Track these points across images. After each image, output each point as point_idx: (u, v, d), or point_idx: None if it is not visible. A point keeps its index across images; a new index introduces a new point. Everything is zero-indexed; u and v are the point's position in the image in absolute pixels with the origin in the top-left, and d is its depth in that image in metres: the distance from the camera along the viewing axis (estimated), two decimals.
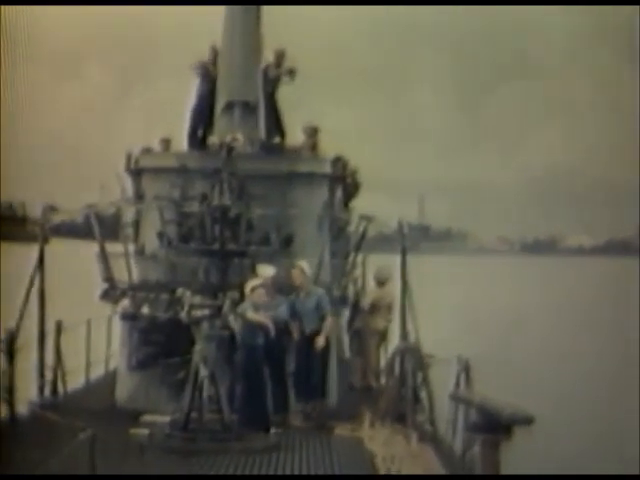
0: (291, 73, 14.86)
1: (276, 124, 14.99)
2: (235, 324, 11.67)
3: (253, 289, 11.76)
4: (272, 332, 11.77)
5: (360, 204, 15.38)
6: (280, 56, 14.92)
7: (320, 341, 12.27)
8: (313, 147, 14.49)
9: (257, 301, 11.73)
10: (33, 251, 13.46)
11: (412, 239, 13.63)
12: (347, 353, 15.69)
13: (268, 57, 15.02)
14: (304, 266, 12.51)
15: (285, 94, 15.17)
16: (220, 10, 14.80)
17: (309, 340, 12.36)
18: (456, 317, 29.70)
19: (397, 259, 13.93)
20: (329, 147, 14.52)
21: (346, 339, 15.67)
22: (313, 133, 14.55)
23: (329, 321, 12.48)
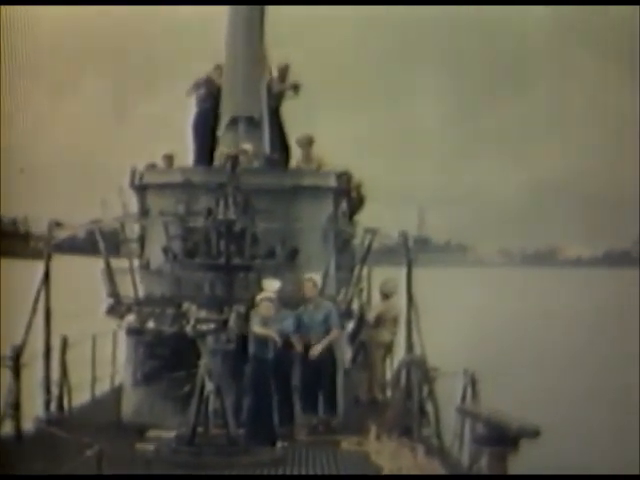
0: (295, 88, 14.92)
1: (280, 138, 15.03)
2: (250, 337, 11.71)
3: (259, 302, 11.80)
4: (279, 345, 11.79)
5: (360, 216, 15.43)
6: (284, 71, 14.98)
7: (315, 350, 12.30)
8: (308, 158, 14.48)
9: (264, 314, 11.76)
10: (35, 267, 13.48)
11: (413, 251, 13.63)
12: (346, 365, 15.66)
13: (272, 72, 15.09)
14: (316, 279, 12.56)
15: (285, 107, 15.23)
16: (222, 24, 14.86)
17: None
18: (460, 329, 29.65)
19: (399, 271, 13.92)
20: (328, 159, 14.54)
21: (347, 351, 15.63)
22: (307, 143, 14.56)
23: (333, 333, 12.50)
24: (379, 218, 15.22)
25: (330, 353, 12.58)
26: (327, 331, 12.41)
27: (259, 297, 11.85)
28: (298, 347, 12.40)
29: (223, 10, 14.75)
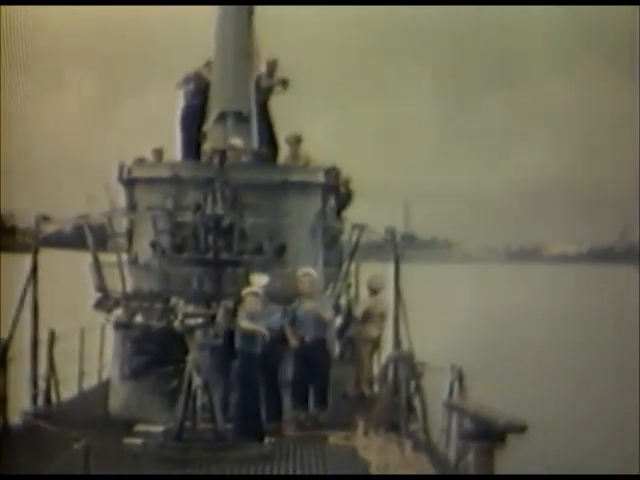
0: (284, 83, 14.92)
1: (268, 134, 15.03)
2: (237, 332, 11.73)
3: (244, 297, 11.81)
4: (267, 339, 11.80)
5: (347, 212, 15.47)
6: (272, 66, 14.97)
7: (292, 341, 12.34)
8: (295, 156, 14.51)
9: (249, 309, 11.76)
10: (22, 261, 13.46)
11: (399, 247, 13.68)
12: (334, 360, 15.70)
13: (260, 67, 15.08)
14: (313, 274, 12.60)
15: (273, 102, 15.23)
16: (211, 20, 14.85)
17: (310, 348, 12.40)
18: (447, 325, 29.78)
19: (386, 267, 13.96)
20: (313, 155, 14.57)
21: (335, 347, 15.67)
22: (296, 142, 14.58)
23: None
24: (364, 214, 15.26)
25: (324, 348, 12.59)
26: (321, 328, 12.44)
27: (244, 292, 11.85)
28: (292, 341, 12.42)
29: (212, 7, 14.75)
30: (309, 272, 12.64)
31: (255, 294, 11.81)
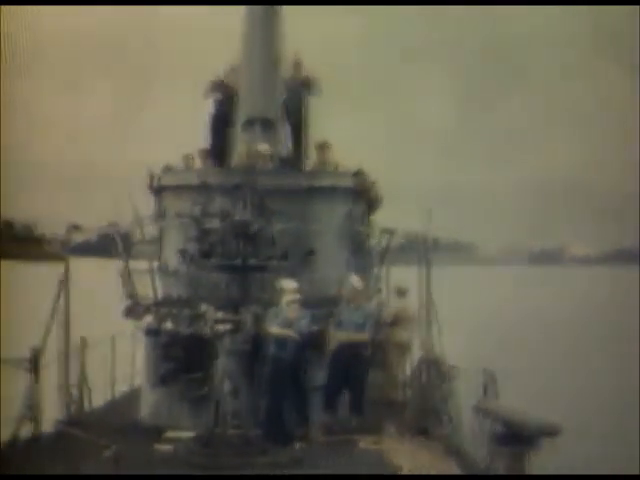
0: (309, 84, 14.85)
1: (297, 139, 15.01)
2: (269, 338, 11.74)
3: (289, 304, 11.82)
4: (298, 343, 11.79)
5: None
6: (297, 67, 14.95)
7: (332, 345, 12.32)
8: (323, 162, 14.49)
9: (291, 316, 11.79)
10: (51, 270, 13.55)
11: (423, 251, 13.61)
12: None
13: (287, 71, 15.08)
14: (354, 280, 12.59)
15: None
16: (230, 25, 14.88)
17: (348, 352, 12.36)
18: (475, 328, 29.61)
19: (413, 270, 13.89)
20: (339, 161, 14.54)
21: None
22: (324, 148, 14.56)
23: (362, 335, 12.51)
24: (385, 218, 15.19)
25: (361, 354, 12.53)
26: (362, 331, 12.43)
27: (287, 299, 11.86)
28: (332, 344, 12.37)
29: (237, 10, 14.77)
30: (352, 279, 12.64)
31: (296, 301, 11.83)
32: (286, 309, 11.82)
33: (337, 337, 12.34)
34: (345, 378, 12.38)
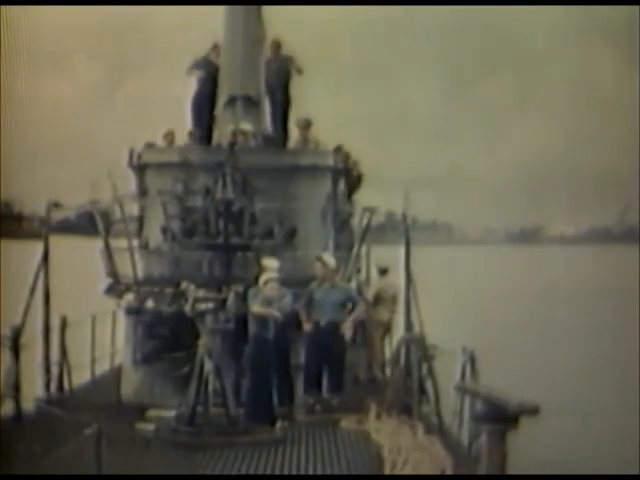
0: (293, 64, 14.77)
1: (281, 118, 14.93)
2: (250, 317, 11.71)
3: (266, 282, 11.77)
4: (279, 322, 11.77)
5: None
6: (276, 47, 14.84)
7: (346, 329, 12.40)
8: (305, 140, 14.44)
9: (270, 294, 11.74)
10: (31, 248, 13.45)
11: (401, 230, 13.62)
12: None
13: (270, 50, 14.99)
14: (326, 259, 12.55)
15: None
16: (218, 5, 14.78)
17: (325, 332, 12.37)
18: (455, 307, 29.76)
19: (393, 250, 13.91)
20: (322, 139, 14.52)
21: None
22: (306, 126, 14.50)
23: (360, 307, 12.66)
24: (365, 197, 15.20)
25: (338, 332, 12.56)
26: (338, 312, 12.41)
27: (264, 278, 11.81)
28: (306, 325, 12.38)
29: None
30: (321, 256, 12.60)
31: (275, 279, 11.79)
32: (263, 288, 11.78)
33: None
34: (323, 357, 12.41)
